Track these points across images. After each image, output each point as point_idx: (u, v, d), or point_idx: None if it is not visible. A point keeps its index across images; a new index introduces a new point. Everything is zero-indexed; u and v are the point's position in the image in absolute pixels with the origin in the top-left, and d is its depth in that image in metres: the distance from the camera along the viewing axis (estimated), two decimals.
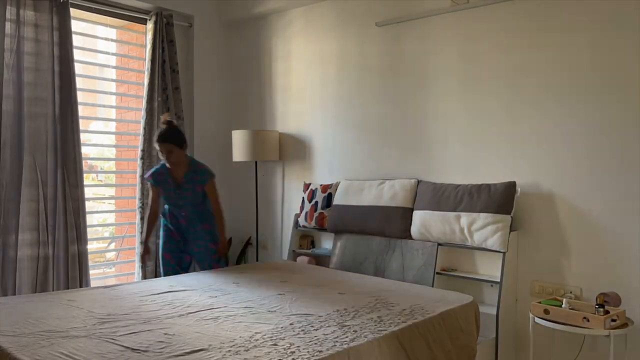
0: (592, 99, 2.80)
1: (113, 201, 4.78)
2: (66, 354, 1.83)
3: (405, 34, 3.56)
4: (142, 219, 4.05)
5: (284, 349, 1.92)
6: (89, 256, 3.79)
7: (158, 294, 2.75)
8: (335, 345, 1.96)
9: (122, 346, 1.92)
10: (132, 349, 1.89)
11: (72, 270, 3.60)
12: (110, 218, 4.90)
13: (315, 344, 1.98)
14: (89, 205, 3.84)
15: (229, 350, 1.88)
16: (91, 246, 3.74)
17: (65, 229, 3.59)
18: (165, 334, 2.07)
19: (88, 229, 3.76)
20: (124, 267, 4.56)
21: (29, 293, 3.42)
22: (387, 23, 3.62)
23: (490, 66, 3.16)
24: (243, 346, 1.93)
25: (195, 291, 2.81)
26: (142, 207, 4.05)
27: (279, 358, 1.83)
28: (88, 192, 3.86)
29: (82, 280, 3.63)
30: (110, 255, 5.08)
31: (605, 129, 2.75)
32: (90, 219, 3.84)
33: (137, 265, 4.07)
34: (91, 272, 3.77)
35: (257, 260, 4.32)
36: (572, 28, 2.85)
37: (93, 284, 3.80)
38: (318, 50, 4.08)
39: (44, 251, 3.50)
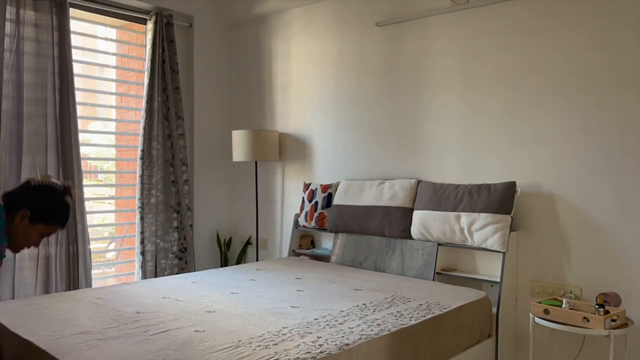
0: (592, 99, 2.80)
1: (113, 201, 4.79)
2: (108, 357, 1.84)
3: (405, 34, 3.56)
4: (142, 218, 4.05)
5: (312, 342, 1.99)
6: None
7: (180, 290, 2.80)
8: (361, 338, 2.05)
9: (158, 345, 1.94)
10: (169, 348, 1.92)
11: (73, 270, 3.60)
12: (110, 218, 4.89)
13: (342, 337, 2.06)
14: (89, 205, 3.84)
15: (259, 345, 1.94)
16: (91, 246, 3.74)
17: (66, 229, 3.59)
18: (196, 331, 2.11)
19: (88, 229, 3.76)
20: (124, 267, 4.55)
21: (32, 293, 3.42)
22: (387, 23, 3.62)
23: (490, 66, 3.16)
24: (272, 340, 2.00)
25: (216, 288, 2.87)
26: (142, 207, 4.06)
27: (308, 351, 1.89)
28: (88, 192, 3.86)
29: (79, 280, 3.62)
30: (110, 255, 5.08)
31: (606, 129, 2.75)
32: (90, 219, 3.84)
33: (137, 265, 4.07)
34: (91, 272, 3.77)
35: (257, 261, 4.32)
36: (572, 27, 2.86)
37: (94, 284, 3.80)
38: (318, 50, 4.08)
39: (45, 251, 3.51)
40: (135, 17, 4.20)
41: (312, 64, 4.13)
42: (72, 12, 3.74)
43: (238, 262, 4.50)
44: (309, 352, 1.87)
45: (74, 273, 3.61)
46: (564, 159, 2.89)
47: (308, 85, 4.16)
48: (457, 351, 2.55)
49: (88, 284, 3.66)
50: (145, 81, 4.12)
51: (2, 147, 3.35)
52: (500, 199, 2.93)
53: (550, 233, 2.94)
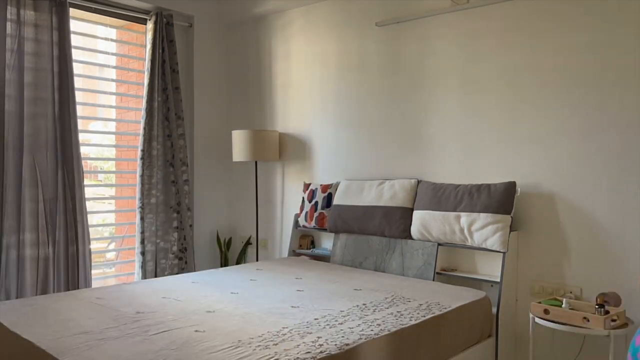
0: (592, 99, 2.80)
1: (113, 201, 4.79)
2: (108, 357, 1.84)
3: (405, 34, 3.56)
4: (142, 218, 4.05)
5: (312, 342, 1.99)
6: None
7: (180, 290, 2.80)
8: (361, 338, 2.05)
9: (158, 345, 1.94)
10: (169, 348, 1.92)
11: (72, 270, 3.60)
12: (110, 218, 4.90)
13: (342, 337, 2.06)
14: (89, 205, 3.84)
15: (259, 345, 1.94)
16: (91, 246, 3.73)
17: (65, 229, 3.59)
18: (196, 331, 2.11)
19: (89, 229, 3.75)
20: (124, 267, 4.56)
21: (31, 294, 3.42)
22: (387, 23, 3.62)
23: (490, 66, 3.16)
24: (272, 340, 1.99)
25: (216, 288, 2.87)
26: (142, 207, 4.05)
27: (308, 351, 1.89)
28: (88, 192, 3.86)
29: (79, 280, 3.62)
30: (110, 255, 5.08)
31: (606, 129, 2.75)
32: (90, 219, 3.84)
33: (137, 265, 4.07)
34: (91, 272, 3.76)
35: (257, 261, 4.32)
36: (572, 28, 2.86)
37: (94, 284, 3.80)
38: (318, 50, 4.08)
39: (44, 251, 3.51)
40: (135, 17, 4.20)
41: (312, 64, 4.13)
42: (72, 12, 3.75)
43: (238, 262, 4.51)
44: (309, 352, 1.87)
45: (73, 274, 3.61)
46: (564, 159, 2.89)
47: (308, 85, 4.16)
48: (457, 351, 2.55)
49: (88, 285, 3.66)
50: (145, 81, 4.12)
51: (4, 147, 3.36)
52: (500, 199, 2.93)
53: (550, 233, 2.94)
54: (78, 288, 3.59)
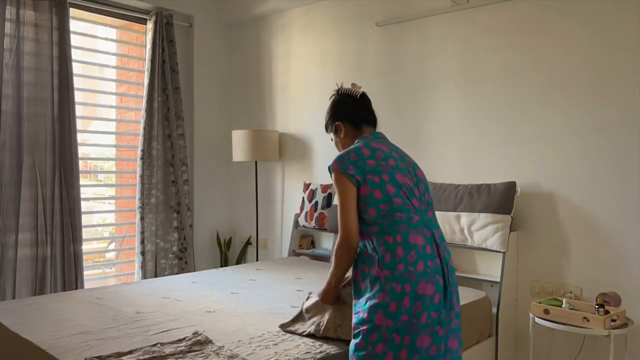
0: (592, 99, 2.80)
1: (113, 201, 4.79)
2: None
3: (405, 34, 3.56)
4: (142, 218, 4.05)
5: (312, 342, 1.98)
6: (88, 256, 3.78)
7: (180, 290, 2.80)
8: None
9: (157, 345, 1.94)
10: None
11: (69, 270, 3.60)
12: (110, 218, 4.90)
13: None
14: (89, 205, 3.85)
15: (259, 345, 1.94)
16: (91, 246, 3.73)
17: (62, 229, 3.58)
18: (196, 331, 2.10)
19: (88, 229, 3.75)
20: (124, 267, 4.56)
21: (28, 293, 3.42)
22: (387, 23, 3.62)
23: (490, 66, 3.16)
24: (272, 340, 1.99)
25: (216, 288, 2.87)
26: (142, 207, 4.05)
27: (308, 351, 1.89)
28: (88, 192, 3.87)
29: (77, 280, 3.62)
30: (110, 255, 5.09)
31: (606, 129, 2.75)
32: (90, 219, 3.84)
33: (137, 265, 4.07)
34: (91, 272, 3.76)
35: (257, 261, 4.32)
36: (572, 28, 2.86)
37: (89, 284, 3.79)
38: (318, 50, 4.08)
39: (42, 251, 3.50)
40: (135, 17, 4.21)
41: (312, 64, 4.13)
42: (72, 12, 3.75)
43: (238, 262, 4.51)
44: (308, 352, 1.88)
45: (69, 274, 3.60)
46: (563, 159, 2.89)
47: (308, 85, 4.15)
48: None
49: (82, 285, 3.65)
50: (145, 81, 4.12)
51: (2, 147, 3.36)
52: (500, 199, 2.93)
53: (550, 233, 2.94)
54: (76, 288, 3.59)
